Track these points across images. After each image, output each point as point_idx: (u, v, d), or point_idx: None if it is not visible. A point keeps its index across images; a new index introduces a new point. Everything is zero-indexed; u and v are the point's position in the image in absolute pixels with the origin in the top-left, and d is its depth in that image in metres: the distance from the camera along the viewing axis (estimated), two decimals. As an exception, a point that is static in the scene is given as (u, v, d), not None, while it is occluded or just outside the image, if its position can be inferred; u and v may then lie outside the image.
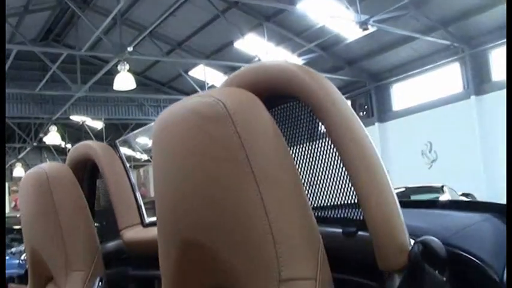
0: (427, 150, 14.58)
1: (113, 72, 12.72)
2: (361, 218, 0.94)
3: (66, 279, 1.53)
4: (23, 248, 9.67)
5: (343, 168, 0.94)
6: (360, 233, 0.99)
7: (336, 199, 1.02)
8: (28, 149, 19.49)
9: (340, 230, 1.02)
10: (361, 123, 0.94)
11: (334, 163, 0.99)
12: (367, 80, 15.83)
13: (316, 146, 1.02)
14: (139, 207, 1.68)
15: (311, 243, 0.87)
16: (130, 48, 11.87)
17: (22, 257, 8.65)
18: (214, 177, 0.87)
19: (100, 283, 1.54)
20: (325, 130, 0.95)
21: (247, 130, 0.86)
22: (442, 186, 10.39)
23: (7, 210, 20.78)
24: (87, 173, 1.77)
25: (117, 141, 1.73)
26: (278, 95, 0.99)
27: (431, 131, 14.23)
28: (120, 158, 1.70)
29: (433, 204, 1.40)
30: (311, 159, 1.04)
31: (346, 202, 0.99)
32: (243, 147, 0.85)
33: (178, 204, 0.93)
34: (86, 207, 1.61)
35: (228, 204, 0.86)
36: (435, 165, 14.39)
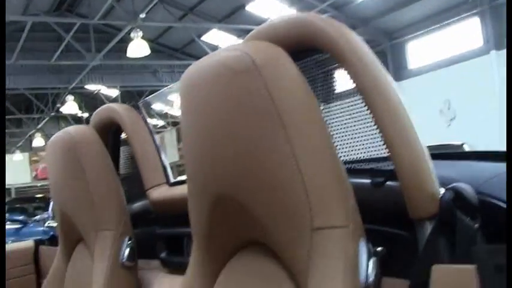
0: (446, 108, 14.41)
1: (126, 40, 12.67)
2: (390, 168, 0.95)
3: (95, 239, 1.56)
4: (46, 215, 9.85)
5: (370, 121, 0.94)
6: (388, 183, 0.99)
7: (364, 152, 1.02)
8: (46, 119, 19.61)
9: (369, 181, 1.03)
10: (387, 75, 0.93)
11: (359, 116, 0.99)
12: (382, 38, 15.62)
13: (342, 100, 1.02)
14: (164, 167, 1.69)
15: (342, 192, 0.87)
16: (142, 15, 11.81)
17: (46, 224, 8.81)
18: (244, 130, 0.87)
19: (129, 242, 1.56)
20: (351, 83, 0.94)
21: (275, 82, 0.86)
22: (462, 144, 10.31)
23: (28, 180, 21.08)
24: (111, 135, 1.78)
25: (139, 102, 1.74)
26: (303, 49, 0.98)
27: (449, 88, 14.02)
28: (143, 119, 1.70)
29: (460, 155, 1.39)
30: (337, 113, 1.04)
31: (374, 155, 0.99)
32: (272, 99, 0.85)
33: (210, 160, 0.93)
34: (112, 169, 1.63)
35: (259, 156, 0.87)
36: (454, 123, 14.23)
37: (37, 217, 10.86)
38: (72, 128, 1.63)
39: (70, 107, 16.83)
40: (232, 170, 0.90)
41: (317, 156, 0.87)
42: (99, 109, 1.78)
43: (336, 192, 0.87)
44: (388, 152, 0.91)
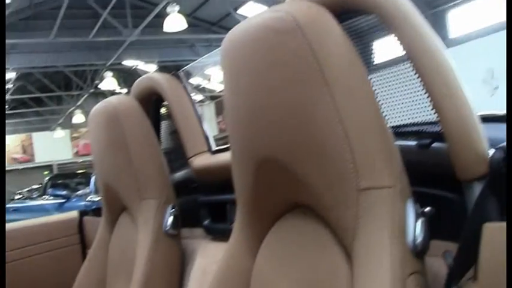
0: (489, 77, 14.06)
1: (162, 15, 12.70)
2: (435, 130, 0.93)
3: (139, 208, 1.58)
4: (88, 190, 10.05)
5: (416, 83, 0.92)
6: (434, 144, 0.97)
7: (411, 116, 1.01)
8: (85, 95, 19.87)
9: (415, 143, 1.01)
10: (435, 35, 0.92)
11: (404, 79, 0.97)
12: (423, 7, 15.28)
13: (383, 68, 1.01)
14: (206, 136, 1.69)
15: (388, 153, 0.86)
16: (178, -11, 11.80)
17: (88, 198, 9.00)
18: (289, 91, 0.86)
19: (172, 210, 1.58)
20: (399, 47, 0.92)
21: (319, 43, 0.85)
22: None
23: (69, 156, 21.50)
24: (152, 104, 1.79)
25: (179, 71, 1.74)
26: (346, 10, 0.96)
27: (492, 56, 13.65)
28: (184, 87, 1.70)
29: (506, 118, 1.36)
30: (382, 76, 1.02)
31: (421, 118, 0.98)
32: (316, 60, 0.84)
33: (253, 122, 0.93)
34: (154, 138, 1.64)
35: (303, 118, 0.86)
36: (498, 92, 13.90)
37: (79, 192, 11.09)
38: (114, 98, 1.64)
39: (109, 83, 17.00)
40: (276, 132, 0.90)
41: (362, 117, 0.86)
42: (139, 79, 1.78)
43: (382, 153, 0.85)
44: (435, 113, 0.89)
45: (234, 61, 0.95)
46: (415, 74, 0.90)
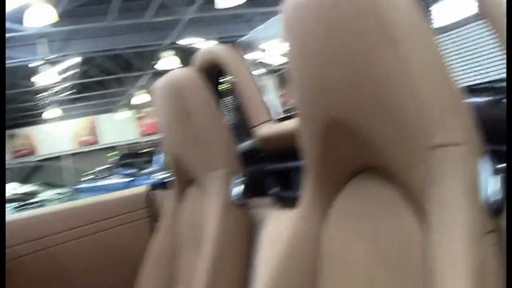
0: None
1: (218, -9, 12.69)
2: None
3: (207, 178, 1.60)
4: (153, 168, 10.27)
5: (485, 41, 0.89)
6: (504, 100, 0.94)
7: (474, 75, 0.98)
8: (147, 76, 20.11)
9: (485, 99, 0.98)
10: None
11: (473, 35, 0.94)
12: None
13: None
14: (266, 107, 1.69)
15: (459, 109, 0.84)
16: (233, -37, 11.72)
17: (152, 176, 9.21)
18: (355, 51, 0.85)
19: (240, 179, 1.59)
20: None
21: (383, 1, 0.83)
22: None
23: (135, 136, 21.94)
24: (214, 77, 1.80)
25: (238, 41, 1.74)
26: None
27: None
28: (244, 59, 1.71)
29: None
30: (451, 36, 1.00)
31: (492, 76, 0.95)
32: (381, 15, 0.82)
33: (320, 84, 0.92)
34: (218, 109, 1.65)
35: (370, 75, 0.84)
36: None
37: (145, 171, 11.34)
38: (176, 72, 1.66)
39: (169, 62, 17.14)
40: (343, 93, 0.88)
41: (431, 73, 0.83)
42: (201, 51, 1.80)
43: (453, 109, 0.83)
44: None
45: (297, 23, 0.94)
46: (491, 30, 0.87)
